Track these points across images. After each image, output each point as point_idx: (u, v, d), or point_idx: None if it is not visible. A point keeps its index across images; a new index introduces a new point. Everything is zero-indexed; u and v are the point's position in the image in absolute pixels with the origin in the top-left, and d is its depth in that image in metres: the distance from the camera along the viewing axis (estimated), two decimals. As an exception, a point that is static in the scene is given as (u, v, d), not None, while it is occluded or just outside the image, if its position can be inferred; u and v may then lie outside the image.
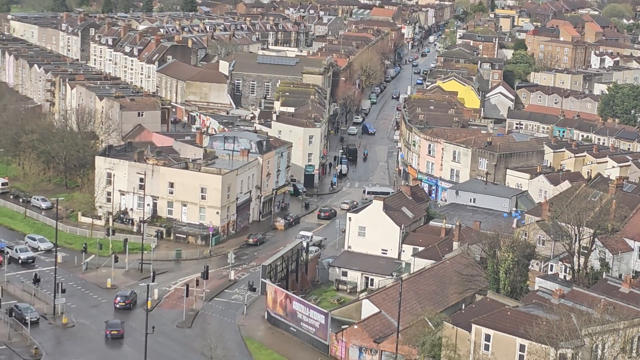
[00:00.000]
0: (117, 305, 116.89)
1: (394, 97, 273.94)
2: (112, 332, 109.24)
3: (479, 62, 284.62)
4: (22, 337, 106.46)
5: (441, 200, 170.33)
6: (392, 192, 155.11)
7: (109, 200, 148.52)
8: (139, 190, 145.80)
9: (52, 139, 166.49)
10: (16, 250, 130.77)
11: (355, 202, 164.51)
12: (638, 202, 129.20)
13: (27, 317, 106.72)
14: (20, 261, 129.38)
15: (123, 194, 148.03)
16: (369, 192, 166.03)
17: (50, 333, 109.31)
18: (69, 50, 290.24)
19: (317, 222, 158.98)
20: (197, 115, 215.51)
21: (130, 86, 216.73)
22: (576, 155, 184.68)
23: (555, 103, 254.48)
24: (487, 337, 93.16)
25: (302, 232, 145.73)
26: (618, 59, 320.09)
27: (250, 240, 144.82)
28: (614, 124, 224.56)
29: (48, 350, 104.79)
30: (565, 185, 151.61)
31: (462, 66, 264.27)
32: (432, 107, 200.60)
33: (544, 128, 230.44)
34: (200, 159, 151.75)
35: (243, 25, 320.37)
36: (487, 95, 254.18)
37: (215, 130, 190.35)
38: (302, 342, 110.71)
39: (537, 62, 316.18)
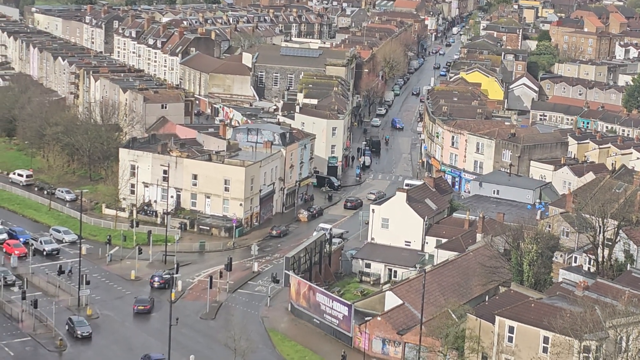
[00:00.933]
0: (155, 285, 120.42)
1: (414, 93, 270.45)
2: (139, 307, 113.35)
3: (503, 53, 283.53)
4: (47, 328, 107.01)
5: (464, 192, 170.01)
6: None
7: (132, 192, 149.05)
8: (162, 182, 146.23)
9: (76, 131, 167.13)
10: (41, 242, 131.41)
11: (382, 193, 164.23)
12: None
13: (79, 331, 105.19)
14: (44, 253, 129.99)
15: (147, 186, 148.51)
16: (406, 185, 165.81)
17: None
18: (92, 42, 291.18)
19: (341, 213, 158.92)
20: (220, 107, 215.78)
21: (154, 78, 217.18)
22: (600, 146, 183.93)
23: (580, 94, 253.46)
24: (511, 329, 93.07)
25: (321, 225, 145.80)
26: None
27: (274, 232, 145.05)
28: (639, 115, 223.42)
29: (72, 341, 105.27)
30: (590, 176, 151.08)
31: (486, 57, 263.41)
32: (455, 99, 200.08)
33: (568, 119, 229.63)
34: (223, 150, 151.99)
35: (266, 17, 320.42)
36: (510, 87, 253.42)
37: (238, 122, 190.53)
38: (325, 334, 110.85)
39: (561, 53, 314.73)
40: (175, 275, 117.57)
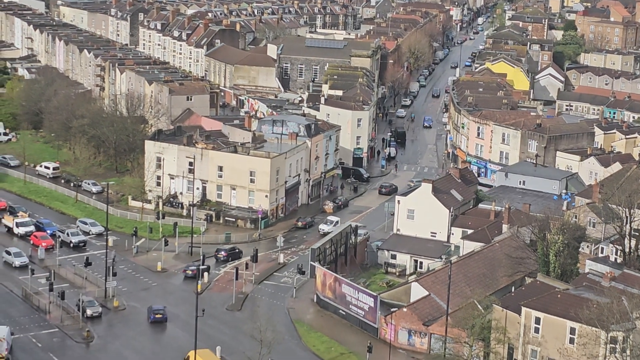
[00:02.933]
0: (221, 258, 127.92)
1: (435, 95, 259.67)
2: (187, 272, 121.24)
3: (529, 43, 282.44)
4: (74, 320, 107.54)
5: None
6: None
7: (158, 184, 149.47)
8: (188, 174, 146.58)
9: (102, 123, 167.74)
10: (68, 234, 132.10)
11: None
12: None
13: None
14: (71, 245, 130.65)
15: (172, 178, 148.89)
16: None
17: (102, 316, 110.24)
18: (118, 35, 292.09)
19: (366, 204, 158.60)
20: (245, 99, 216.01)
21: (179, 70, 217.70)
22: (627, 136, 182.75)
23: (606, 84, 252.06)
24: (537, 320, 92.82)
25: (329, 218, 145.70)
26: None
27: (299, 224, 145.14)
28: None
29: (100, 333, 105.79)
30: (616, 167, 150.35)
31: (512, 48, 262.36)
32: (481, 89, 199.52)
33: (594, 109, 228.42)
34: (249, 142, 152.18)
35: (291, 9, 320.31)
36: (536, 77, 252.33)
37: (263, 114, 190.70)
38: (351, 325, 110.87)
39: (587, 43, 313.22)
40: (201, 267, 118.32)
